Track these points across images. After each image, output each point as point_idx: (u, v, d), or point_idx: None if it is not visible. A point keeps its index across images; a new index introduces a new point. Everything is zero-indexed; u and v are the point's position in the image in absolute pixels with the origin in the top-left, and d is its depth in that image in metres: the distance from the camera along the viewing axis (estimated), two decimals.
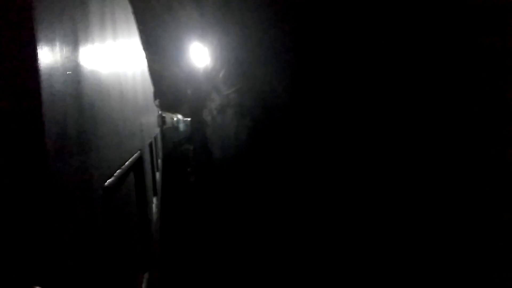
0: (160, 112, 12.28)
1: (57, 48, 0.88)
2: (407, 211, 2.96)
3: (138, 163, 2.42)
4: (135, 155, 2.13)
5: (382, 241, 3.26)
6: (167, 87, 12.95)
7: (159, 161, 7.17)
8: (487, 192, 2.51)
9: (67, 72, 0.98)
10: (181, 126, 21.79)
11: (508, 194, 2.38)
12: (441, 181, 2.82)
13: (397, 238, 3.06)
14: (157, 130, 7.80)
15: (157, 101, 9.17)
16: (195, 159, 14.13)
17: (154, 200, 4.10)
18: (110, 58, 1.71)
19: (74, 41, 1.06)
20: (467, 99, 2.65)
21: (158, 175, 5.67)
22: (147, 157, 3.14)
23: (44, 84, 0.76)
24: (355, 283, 3.56)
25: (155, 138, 5.96)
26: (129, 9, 3.04)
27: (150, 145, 4.12)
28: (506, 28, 2.34)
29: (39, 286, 0.77)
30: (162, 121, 12.89)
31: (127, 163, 1.84)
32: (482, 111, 2.56)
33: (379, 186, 3.30)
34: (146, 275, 2.28)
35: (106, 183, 1.36)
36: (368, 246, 3.46)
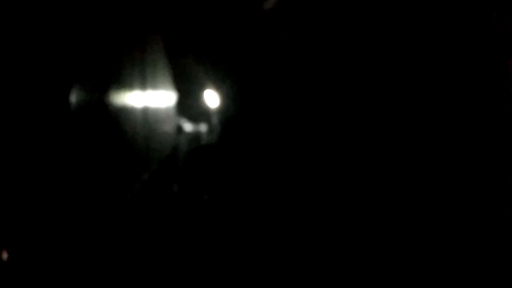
0: (180, 121, 12.15)
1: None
2: (406, 211, 2.94)
3: (156, 175, 2.54)
4: (153, 168, 2.26)
5: (380, 241, 3.22)
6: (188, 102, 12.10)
7: (177, 170, 7.19)
8: (488, 193, 2.48)
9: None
10: (200, 135, 21.61)
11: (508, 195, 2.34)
12: (441, 181, 2.78)
13: (396, 238, 3.03)
14: (177, 139, 7.77)
15: (177, 110, 8.17)
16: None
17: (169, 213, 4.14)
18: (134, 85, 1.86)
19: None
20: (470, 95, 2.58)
21: (175, 187, 5.71)
22: (165, 169, 3.23)
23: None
24: (354, 283, 3.49)
25: (175, 148, 6.04)
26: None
27: (169, 156, 4.22)
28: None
29: None
30: (180, 130, 12.67)
31: (145, 176, 1.97)
32: (486, 110, 2.49)
33: (378, 186, 3.28)
34: None
35: (125, 196, 1.51)
36: (366, 246, 3.41)
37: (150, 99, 2.50)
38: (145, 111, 2.17)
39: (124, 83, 1.58)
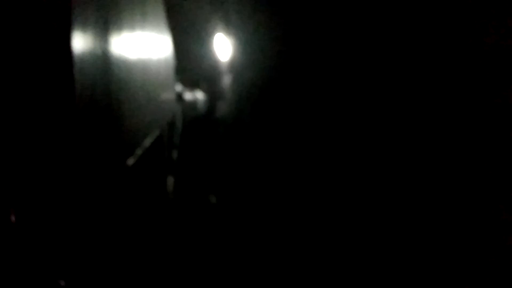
0: (180, 88, 12.13)
1: (89, 30, 0.90)
2: (406, 211, 2.99)
3: (158, 142, 2.42)
4: (155, 134, 2.13)
5: (380, 241, 3.28)
6: (189, 63, 12.21)
7: (177, 138, 7.16)
8: (486, 193, 2.55)
9: (97, 55, 0.98)
10: (200, 103, 21.85)
11: (507, 195, 2.42)
12: (441, 181, 2.85)
13: (395, 238, 3.09)
14: (177, 107, 7.72)
15: (177, 78, 7.73)
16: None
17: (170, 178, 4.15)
18: (135, 41, 1.68)
19: (105, 26, 1.07)
20: (468, 100, 2.66)
21: (175, 153, 5.69)
22: (166, 135, 3.14)
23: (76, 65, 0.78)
24: (353, 284, 3.58)
25: (175, 115, 5.95)
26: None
27: (170, 123, 4.13)
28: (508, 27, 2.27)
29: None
30: (181, 98, 12.77)
31: (146, 142, 1.83)
32: (483, 113, 2.57)
33: (378, 186, 3.33)
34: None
35: (127, 162, 1.36)
36: (366, 246, 3.49)
37: (149, 53, 2.19)
38: (144, 69, 1.96)
39: (124, 27, 1.37)
